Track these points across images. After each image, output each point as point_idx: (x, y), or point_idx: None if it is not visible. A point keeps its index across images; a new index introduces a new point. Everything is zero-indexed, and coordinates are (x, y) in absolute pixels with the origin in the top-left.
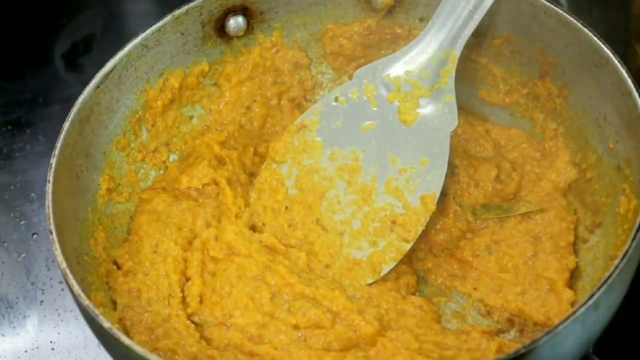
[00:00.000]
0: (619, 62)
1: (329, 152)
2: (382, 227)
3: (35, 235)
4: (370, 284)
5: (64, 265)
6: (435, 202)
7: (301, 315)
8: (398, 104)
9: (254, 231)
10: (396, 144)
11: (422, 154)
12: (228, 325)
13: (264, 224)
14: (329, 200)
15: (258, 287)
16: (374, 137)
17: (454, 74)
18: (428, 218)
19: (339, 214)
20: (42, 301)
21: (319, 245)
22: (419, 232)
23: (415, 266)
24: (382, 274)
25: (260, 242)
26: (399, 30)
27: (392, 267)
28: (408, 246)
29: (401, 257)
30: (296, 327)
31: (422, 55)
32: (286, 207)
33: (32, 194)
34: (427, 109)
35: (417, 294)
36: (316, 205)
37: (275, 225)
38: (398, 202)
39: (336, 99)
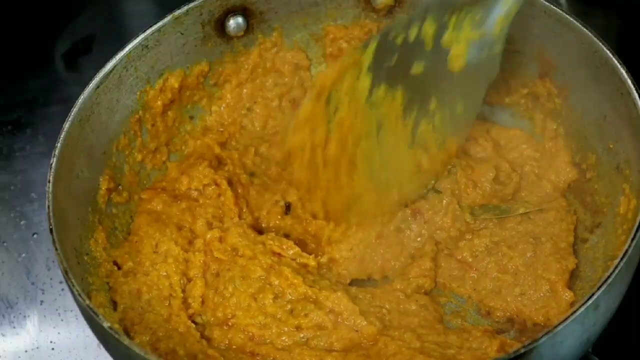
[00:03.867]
0: (618, 62)
1: (375, 91)
2: (411, 170)
3: (35, 235)
4: (375, 286)
5: (64, 265)
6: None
7: (303, 317)
8: (449, 48)
9: (259, 233)
10: (440, 88)
11: (461, 100)
12: (230, 325)
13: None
14: (366, 139)
15: (261, 288)
16: (420, 80)
17: (507, 26)
18: (452, 162)
19: (374, 153)
20: (42, 301)
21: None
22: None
23: None
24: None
25: (263, 244)
26: None
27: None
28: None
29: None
30: (298, 328)
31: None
32: (326, 142)
33: (32, 194)
34: (474, 56)
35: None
36: (353, 143)
37: (311, 163)
38: (429, 146)
39: (394, 37)
